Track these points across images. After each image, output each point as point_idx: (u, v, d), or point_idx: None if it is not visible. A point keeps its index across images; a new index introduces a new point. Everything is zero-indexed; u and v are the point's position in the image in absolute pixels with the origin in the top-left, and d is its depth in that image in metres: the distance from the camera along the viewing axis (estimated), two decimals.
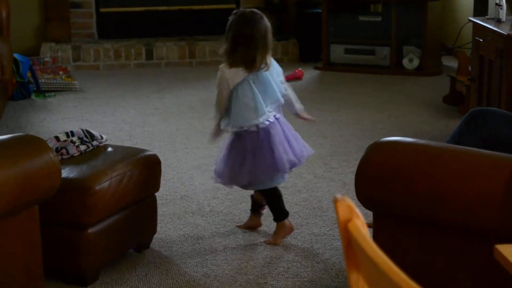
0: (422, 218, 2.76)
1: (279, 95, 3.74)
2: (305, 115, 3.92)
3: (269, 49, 3.68)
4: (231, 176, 3.75)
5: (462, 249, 2.68)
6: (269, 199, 3.85)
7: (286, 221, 3.83)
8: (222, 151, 3.80)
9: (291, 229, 3.84)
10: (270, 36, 3.68)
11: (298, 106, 3.88)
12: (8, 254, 2.92)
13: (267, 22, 3.69)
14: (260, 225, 3.97)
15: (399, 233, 2.88)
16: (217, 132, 3.83)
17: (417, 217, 2.77)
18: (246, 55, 3.64)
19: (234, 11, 3.74)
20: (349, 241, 1.45)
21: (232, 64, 3.67)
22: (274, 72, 3.75)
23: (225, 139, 3.83)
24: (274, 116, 3.73)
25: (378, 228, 2.96)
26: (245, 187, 3.84)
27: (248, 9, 3.74)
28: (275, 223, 3.84)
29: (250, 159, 3.69)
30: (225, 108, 3.73)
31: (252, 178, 3.71)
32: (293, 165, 3.75)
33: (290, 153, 3.71)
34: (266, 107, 3.69)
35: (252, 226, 3.97)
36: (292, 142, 3.75)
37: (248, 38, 3.64)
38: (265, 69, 3.68)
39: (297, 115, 3.91)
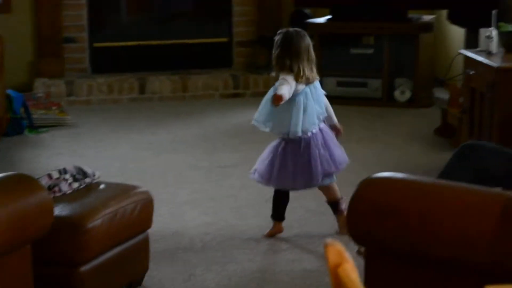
0: (414, 254, 2.75)
1: (324, 108, 4.22)
2: (339, 127, 4.34)
3: (313, 61, 4.17)
4: (272, 178, 4.16)
5: (454, 287, 2.68)
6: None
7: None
8: (267, 153, 4.22)
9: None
10: (312, 50, 4.20)
11: (335, 118, 4.33)
12: None
13: (309, 39, 4.23)
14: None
15: (392, 269, 2.88)
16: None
17: (409, 253, 2.77)
18: (295, 67, 4.10)
19: (279, 31, 4.25)
20: (339, 287, 1.45)
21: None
22: (318, 85, 4.21)
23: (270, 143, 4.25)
24: (319, 126, 4.17)
25: (371, 264, 2.95)
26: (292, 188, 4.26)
27: (292, 29, 4.25)
28: (335, 216, 4.32)
29: (291, 165, 4.10)
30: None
31: (292, 182, 4.13)
32: (329, 174, 4.19)
33: (326, 164, 4.11)
34: (316, 118, 4.14)
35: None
36: (333, 150, 4.18)
37: (295, 52, 4.12)
38: (314, 80, 4.15)
39: (335, 127, 4.32)
